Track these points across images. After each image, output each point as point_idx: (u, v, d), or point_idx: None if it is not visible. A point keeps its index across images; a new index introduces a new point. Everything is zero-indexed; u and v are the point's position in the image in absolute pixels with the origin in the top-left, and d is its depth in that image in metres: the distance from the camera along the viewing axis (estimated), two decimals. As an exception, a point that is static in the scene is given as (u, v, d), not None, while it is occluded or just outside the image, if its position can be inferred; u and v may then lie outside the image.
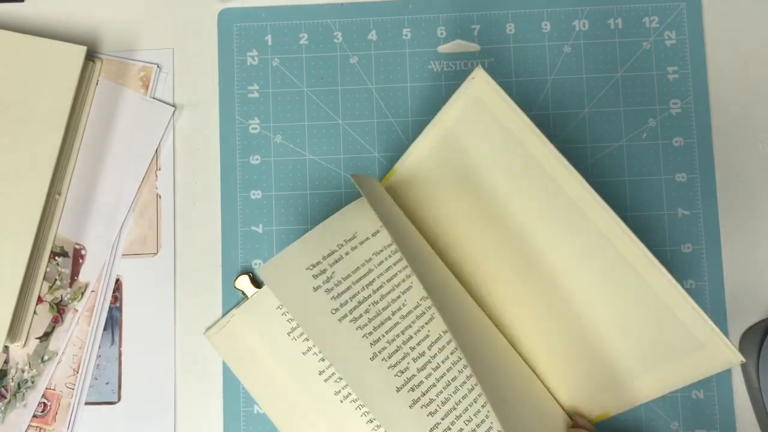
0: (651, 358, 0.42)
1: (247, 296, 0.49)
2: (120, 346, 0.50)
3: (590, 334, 0.43)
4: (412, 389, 0.41)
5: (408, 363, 0.41)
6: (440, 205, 0.47)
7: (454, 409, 0.41)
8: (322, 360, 0.48)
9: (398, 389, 0.40)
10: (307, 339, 0.48)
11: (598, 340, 0.43)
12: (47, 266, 0.50)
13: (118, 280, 0.50)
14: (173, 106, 0.52)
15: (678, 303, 0.39)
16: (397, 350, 0.42)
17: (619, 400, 0.44)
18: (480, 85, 0.41)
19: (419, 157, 0.47)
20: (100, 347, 0.50)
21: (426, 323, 0.43)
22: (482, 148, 0.43)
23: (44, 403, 0.49)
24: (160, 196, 0.51)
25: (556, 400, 0.46)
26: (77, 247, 0.51)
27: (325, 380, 0.48)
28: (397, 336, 0.42)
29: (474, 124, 0.43)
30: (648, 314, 0.41)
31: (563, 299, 0.44)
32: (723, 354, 0.39)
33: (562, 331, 0.44)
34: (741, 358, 0.39)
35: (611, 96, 0.51)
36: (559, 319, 0.44)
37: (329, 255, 0.43)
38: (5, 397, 0.49)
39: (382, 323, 0.42)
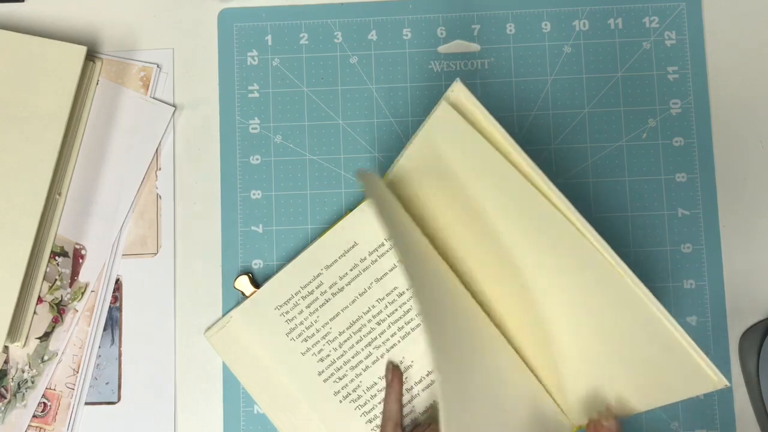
0: (638, 376, 0.41)
1: (246, 296, 0.49)
2: (120, 346, 0.50)
3: (578, 345, 0.43)
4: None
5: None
6: (427, 214, 0.47)
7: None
8: (321, 360, 0.48)
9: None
10: (306, 339, 0.48)
11: (589, 352, 0.43)
12: (47, 266, 0.50)
13: (118, 280, 0.50)
14: (173, 106, 0.52)
15: (660, 324, 0.38)
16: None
17: (615, 409, 0.44)
18: (458, 98, 0.41)
19: (404, 168, 0.47)
20: (100, 347, 0.50)
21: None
22: (463, 162, 0.42)
23: (44, 403, 0.49)
24: (160, 196, 0.51)
25: (556, 401, 0.47)
26: (77, 247, 0.51)
27: (325, 380, 0.48)
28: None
29: (453, 136, 0.42)
30: (631, 333, 0.40)
31: (564, 309, 0.43)
32: (707, 378, 0.38)
33: (556, 338, 0.44)
34: (725, 382, 0.37)
35: (611, 96, 0.51)
36: (553, 328, 0.44)
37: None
38: (5, 397, 0.49)
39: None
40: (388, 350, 0.48)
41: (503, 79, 0.51)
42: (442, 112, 0.41)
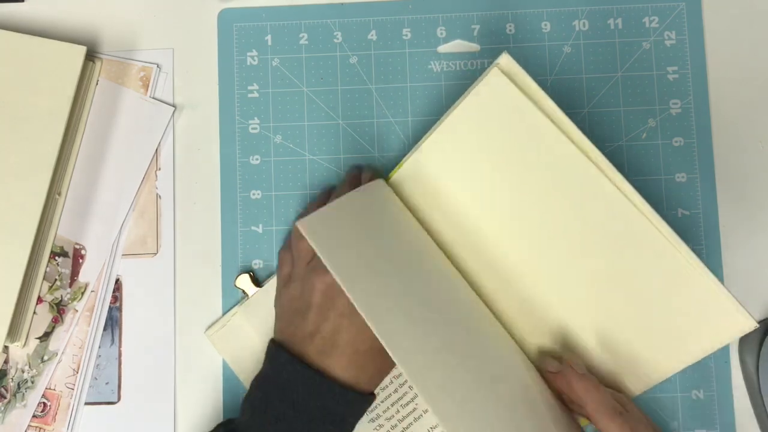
0: (664, 333, 0.43)
1: (248, 295, 0.49)
2: (120, 346, 0.50)
3: (606, 317, 0.44)
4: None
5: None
6: (450, 195, 0.47)
7: None
8: None
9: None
10: None
11: (612, 323, 0.44)
12: (47, 266, 0.50)
13: (118, 280, 0.50)
14: (173, 106, 0.52)
15: (691, 273, 0.41)
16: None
17: (637, 381, 0.44)
18: (506, 68, 0.43)
19: (437, 143, 0.46)
20: (100, 347, 0.50)
21: None
22: (510, 129, 0.44)
23: (44, 403, 0.49)
24: (160, 196, 0.51)
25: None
26: (77, 247, 0.51)
27: None
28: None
29: (501, 102, 0.44)
30: (660, 288, 0.42)
31: (582, 285, 0.44)
32: (736, 321, 0.41)
33: (578, 320, 0.45)
34: (754, 323, 0.41)
35: (611, 96, 0.51)
36: (575, 307, 0.45)
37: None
38: (5, 397, 0.49)
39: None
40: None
41: (503, 79, 0.51)
42: (493, 77, 0.43)
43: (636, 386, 0.44)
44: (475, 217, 0.46)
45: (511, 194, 0.45)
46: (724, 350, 0.49)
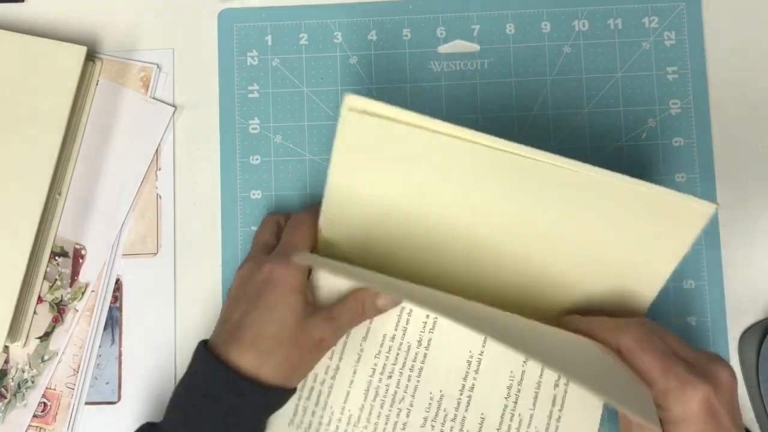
0: (640, 251, 0.42)
1: None
2: (120, 346, 0.50)
3: (585, 261, 0.43)
4: None
5: None
6: (381, 231, 0.45)
7: None
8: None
9: None
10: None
11: (592, 264, 0.43)
12: (47, 266, 0.50)
13: (118, 280, 0.50)
14: (173, 106, 0.52)
15: (634, 194, 0.40)
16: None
17: (637, 299, 0.44)
18: (354, 106, 0.39)
19: (334, 202, 0.44)
20: (100, 347, 0.50)
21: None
22: (389, 158, 0.41)
23: (44, 402, 0.49)
24: (160, 196, 0.51)
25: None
26: (77, 247, 0.51)
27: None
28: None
29: (368, 140, 0.40)
30: (617, 216, 0.41)
31: (548, 246, 0.43)
32: (695, 210, 0.39)
33: (540, 286, 0.44)
34: (715, 205, 0.39)
35: (611, 96, 0.51)
36: (552, 266, 0.44)
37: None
38: (5, 397, 0.49)
39: None
40: (412, 396, 0.45)
41: (503, 79, 0.51)
42: (346, 122, 0.39)
43: (639, 305, 0.44)
44: (417, 240, 0.44)
45: (436, 204, 0.43)
46: (724, 351, 0.49)
